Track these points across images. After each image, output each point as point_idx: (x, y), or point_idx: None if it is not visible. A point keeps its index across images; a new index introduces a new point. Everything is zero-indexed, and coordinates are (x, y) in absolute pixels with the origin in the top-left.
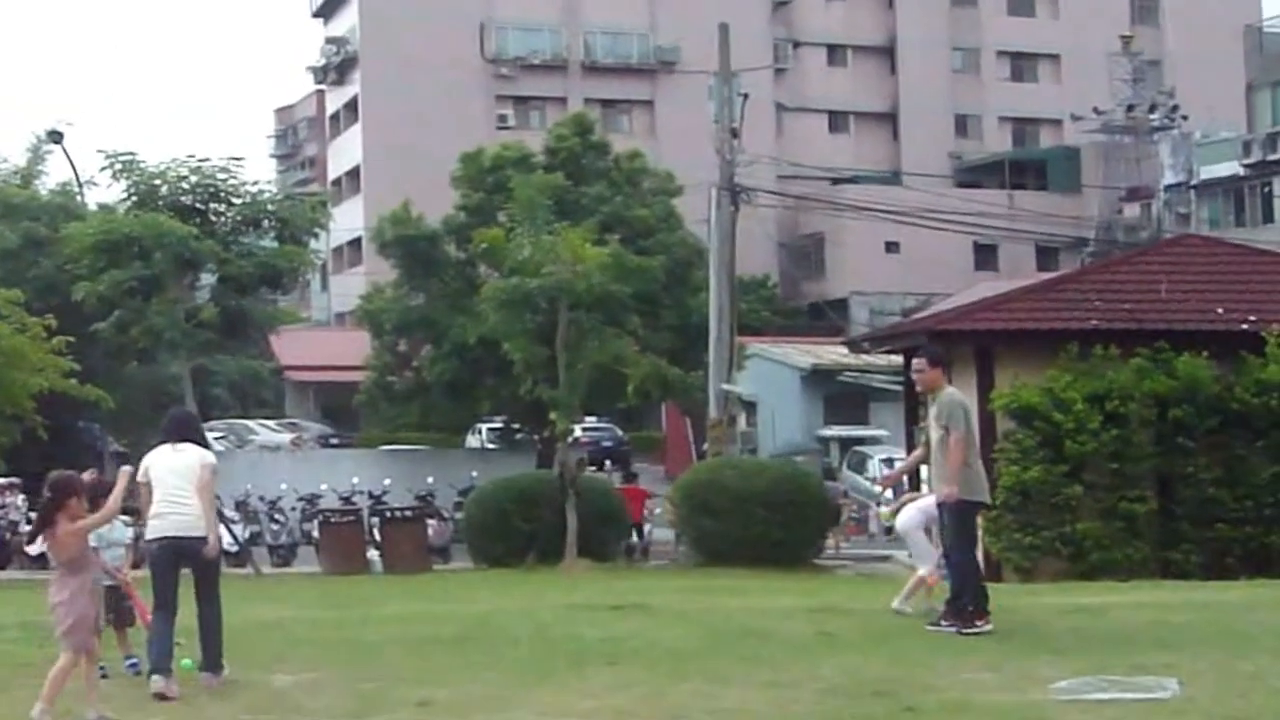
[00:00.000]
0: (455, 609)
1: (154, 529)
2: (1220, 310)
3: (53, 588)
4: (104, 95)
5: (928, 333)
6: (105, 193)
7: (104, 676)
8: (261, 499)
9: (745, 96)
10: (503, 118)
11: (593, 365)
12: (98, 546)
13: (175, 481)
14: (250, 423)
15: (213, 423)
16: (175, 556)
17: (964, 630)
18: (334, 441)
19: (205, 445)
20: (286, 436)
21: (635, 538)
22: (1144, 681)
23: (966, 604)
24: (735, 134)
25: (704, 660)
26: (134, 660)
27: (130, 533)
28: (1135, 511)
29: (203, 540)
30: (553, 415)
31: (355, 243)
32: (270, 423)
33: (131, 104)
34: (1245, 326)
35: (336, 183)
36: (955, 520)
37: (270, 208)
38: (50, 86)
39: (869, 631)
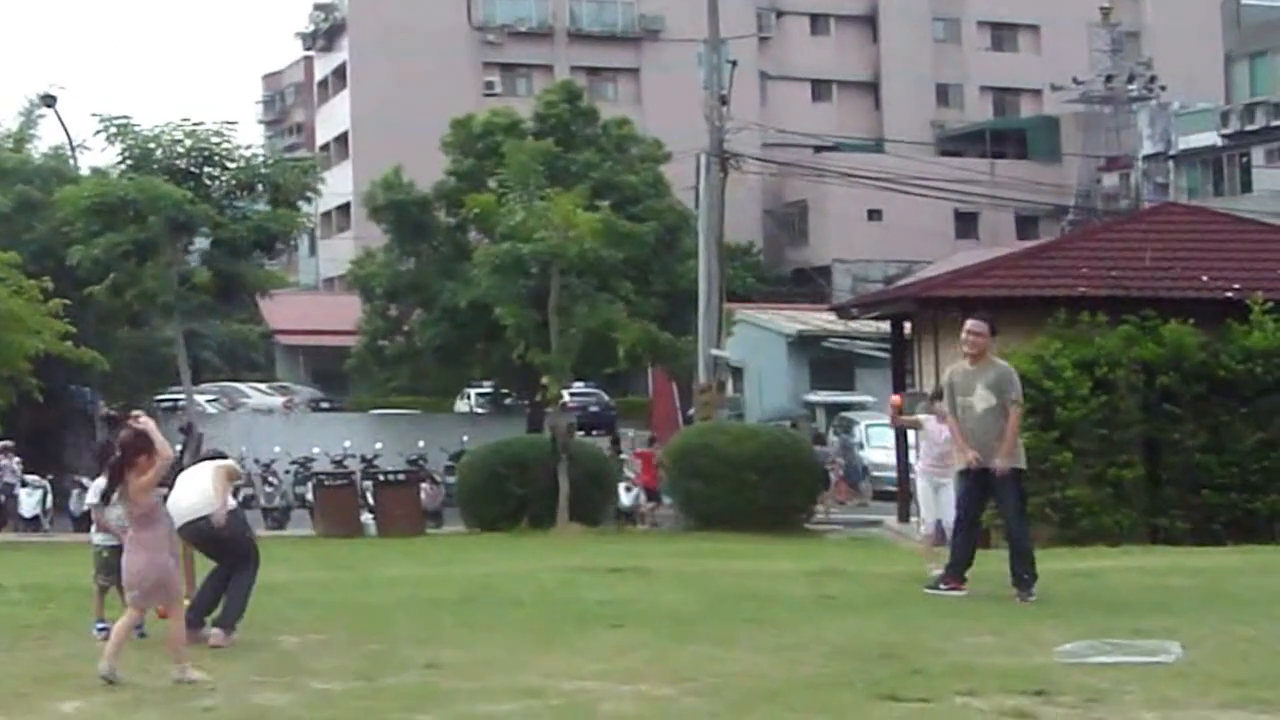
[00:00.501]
0: (454, 571)
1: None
2: (1205, 278)
3: (129, 552)
4: (89, 58)
5: (916, 299)
6: (98, 157)
7: (106, 638)
8: (256, 462)
9: (734, 64)
10: (489, 85)
11: (584, 330)
12: (97, 506)
13: (189, 476)
14: (242, 386)
15: (204, 385)
16: (194, 539)
17: (1028, 598)
18: (325, 405)
19: None
20: (278, 400)
21: (645, 500)
22: (1146, 645)
23: (1026, 574)
24: (724, 101)
25: (707, 623)
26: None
27: None
28: (1124, 478)
29: (206, 519)
30: (545, 380)
31: (344, 208)
32: (262, 386)
33: (119, 69)
34: (1230, 294)
35: (325, 148)
36: (1018, 491)
37: (265, 171)
38: (34, 50)
39: (869, 595)
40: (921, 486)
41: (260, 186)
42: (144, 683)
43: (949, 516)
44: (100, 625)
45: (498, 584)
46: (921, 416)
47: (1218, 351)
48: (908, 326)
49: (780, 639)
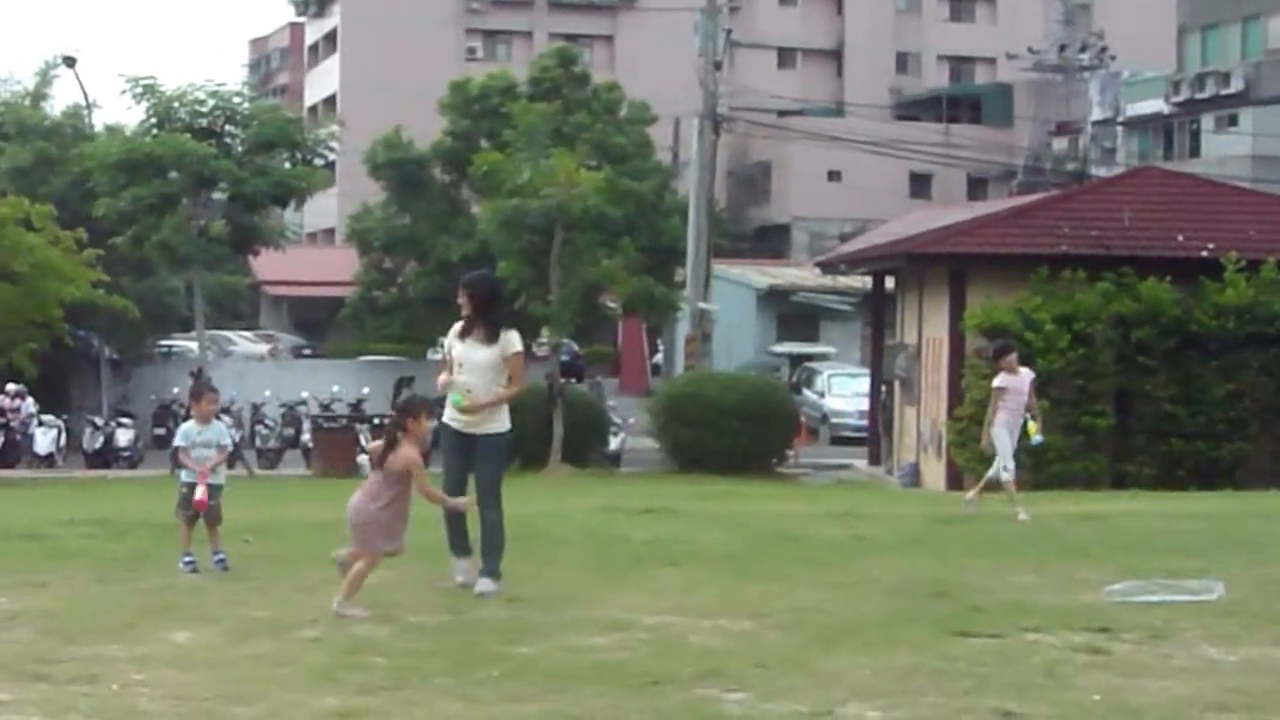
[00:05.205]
0: None
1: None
2: (1181, 237)
3: (366, 493)
4: (77, 19)
5: (906, 255)
6: (110, 114)
7: (194, 571)
8: (253, 405)
9: (729, 32)
10: (471, 50)
11: (585, 283)
12: (185, 446)
13: (466, 372)
14: (230, 334)
15: (194, 333)
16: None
17: None
18: (306, 352)
19: (500, 318)
20: (263, 347)
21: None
22: (1191, 585)
23: None
24: (718, 67)
25: (757, 562)
26: (221, 556)
27: (228, 435)
28: (1096, 426)
29: (471, 438)
30: (545, 329)
31: (329, 165)
32: (247, 334)
33: (108, 32)
34: (1205, 253)
35: (312, 110)
36: None
37: (289, 130)
38: (16, 9)
39: (899, 535)
40: (1002, 436)
41: (280, 144)
42: (244, 614)
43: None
44: (187, 559)
45: (538, 524)
46: (998, 381)
47: (1191, 307)
48: (889, 281)
49: (833, 577)
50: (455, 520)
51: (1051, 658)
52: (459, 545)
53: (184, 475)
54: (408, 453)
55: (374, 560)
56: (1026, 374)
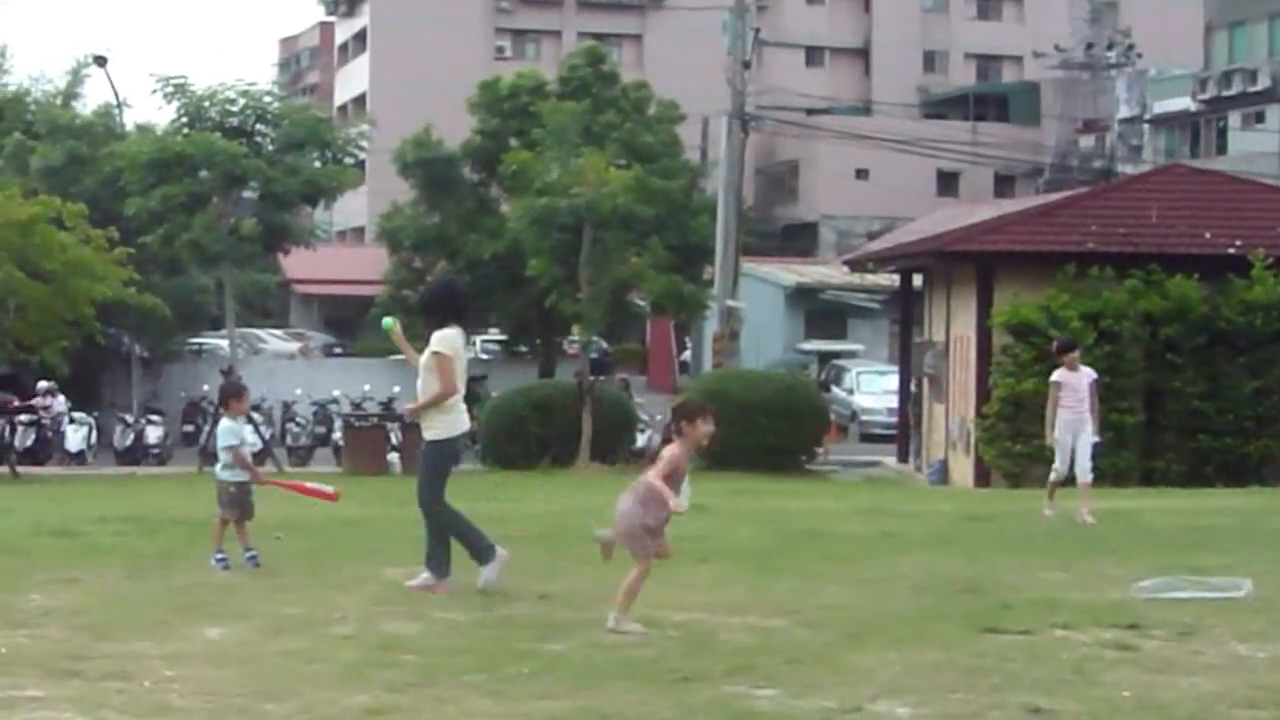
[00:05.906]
0: (514, 509)
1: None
2: (1208, 235)
3: (635, 495)
4: (108, 18)
5: (935, 253)
6: (140, 114)
7: (226, 568)
8: (284, 403)
9: (758, 31)
10: (500, 49)
11: (614, 281)
12: (237, 445)
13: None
14: (260, 332)
15: (224, 330)
16: None
17: None
18: (337, 350)
19: (457, 318)
20: (294, 345)
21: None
22: (1219, 581)
23: None
24: (747, 66)
25: (787, 558)
26: (253, 553)
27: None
28: (1124, 423)
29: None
30: (576, 327)
31: (359, 165)
32: (278, 332)
33: (138, 31)
34: (1232, 250)
35: (342, 109)
36: None
37: (319, 129)
38: (50, 8)
39: (927, 532)
40: (1063, 438)
41: (310, 144)
42: (275, 611)
43: (1087, 459)
44: (219, 556)
45: (569, 521)
46: (1056, 376)
47: (1219, 304)
48: (917, 279)
49: (862, 574)
50: (438, 534)
51: (1080, 654)
52: (436, 557)
53: (228, 475)
54: (670, 450)
55: (646, 566)
56: (1087, 373)
